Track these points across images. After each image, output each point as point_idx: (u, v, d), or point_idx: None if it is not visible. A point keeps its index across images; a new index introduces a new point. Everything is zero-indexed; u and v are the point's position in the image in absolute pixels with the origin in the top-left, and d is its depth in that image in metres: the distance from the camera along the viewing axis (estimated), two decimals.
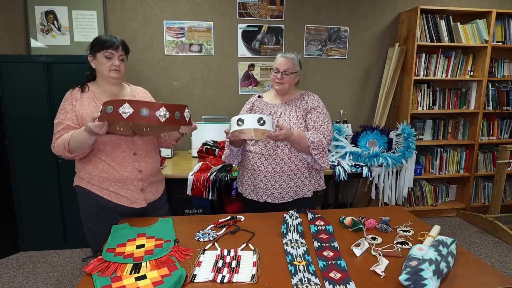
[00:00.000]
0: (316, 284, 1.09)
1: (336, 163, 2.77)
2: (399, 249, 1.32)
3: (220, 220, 1.58)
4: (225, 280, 1.12)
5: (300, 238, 1.41)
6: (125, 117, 1.27)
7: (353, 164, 2.82)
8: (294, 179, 1.82)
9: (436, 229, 1.39)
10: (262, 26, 3.29)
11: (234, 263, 1.22)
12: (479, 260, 1.29)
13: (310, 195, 1.88)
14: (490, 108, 3.56)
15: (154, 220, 1.58)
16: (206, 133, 2.97)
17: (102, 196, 1.61)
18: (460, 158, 3.62)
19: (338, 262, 1.22)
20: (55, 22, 2.97)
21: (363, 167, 2.77)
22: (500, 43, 3.48)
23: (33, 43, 2.96)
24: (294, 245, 1.35)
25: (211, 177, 2.45)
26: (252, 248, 1.33)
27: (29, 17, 2.93)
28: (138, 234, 1.43)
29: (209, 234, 1.44)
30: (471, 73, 3.51)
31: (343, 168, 2.70)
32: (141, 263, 1.21)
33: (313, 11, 3.35)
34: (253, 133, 1.67)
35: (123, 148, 1.61)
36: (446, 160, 3.59)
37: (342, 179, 2.67)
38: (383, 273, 1.16)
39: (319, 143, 1.76)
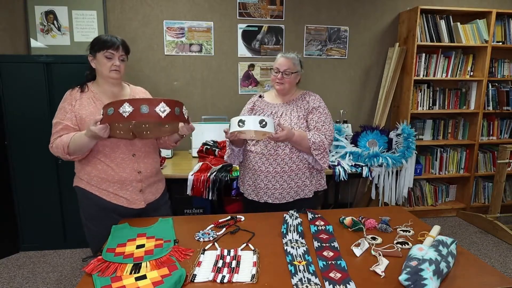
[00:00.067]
0: (316, 284, 1.09)
1: (336, 163, 2.77)
2: (399, 249, 1.32)
3: (220, 220, 1.58)
4: (225, 280, 1.12)
5: (300, 238, 1.41)
6: (126, 116, 1.28)
7: (353, 164, 2.82)
8: (295, 179, 1.82)
9: (436, 229, 1.39)
10: (262, 26, 3.29)
11: (234, 263, 1.21)
12: (479, 260, 1.29)
13: (311, 196, 1.87)
14: (490, 108, 3.56)
15: (154, 220, 1.58)
16: (206, 133, 2.98)
17: (101, 196, 1.61)
18: (460, 158, 3.62)
19: (338, 262, 1.22)
20: (55, 22, 2.97)
21: (363, 167, 2.77)
22: (500, 43, 3.48)
23: (33, 43, 2.96)
24: (294, 245, 1.35)
25: (211, 177, 2.45)
26: (252, 248, 1.33)
27: (29, 17, 2.93)
28: (138, 234, 1.43)
29: (209, 234, 1.44)
30: (471, 73, 3.51)
31: (343, 168, 2.70)
32: (141, 263, 1.21)
33: (313, 11, 3.35)
34: (253, 134, 1.66)
35: (122, 150, 1.61)
36: (446, 160, 3.59)
37: (342, 179, 2.67)
38: (383, 273, 1.16)
39: (320, 143, 1.75)
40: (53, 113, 1.61)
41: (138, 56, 3.14)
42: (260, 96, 1.98)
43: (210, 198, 2.45)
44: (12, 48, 2.93)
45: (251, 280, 1.12)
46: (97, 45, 1.57)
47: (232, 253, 1.28)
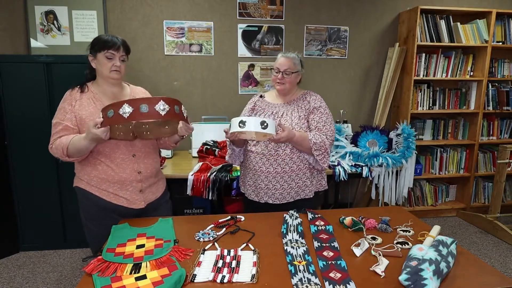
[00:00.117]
0: (316, 284, 1.09)
1: (336, 163, 2.77)
2: (399, 249, 1.32)
3: (220, 220, 1.58)
4: (225, 280, 1.12)
5: (300, 238, 1.41)
6: (126, 117, 1.28)
7: (353, 164, 2.82)
8: (295, 179, 1.82)
9: (436, 229, 1.39)
10: (262, 26, 3.29)
11: (234, 263, 1.21)
12: (479, 260, 1.29)
13: (311, 196, 1.87)
14: (490, 108, 3.56)
15: (154, 220, 1.58)
16: (206, 133, 2.98)
17: (101, 197, 1.61)
18: (460, 158, 3.62)
19: (338, 262, 1.22)
20: (55, 22, 2.97)
21: (363, 167, 2.77)
22: (500, 43, 3.48)
23: (33, 43, 2.96)
24: (294, 245, 1.35)
25: (211, 177, 2.45)
26: (252, 248, 1.33)
27: (29, 17, 2.93)
28: (138, 234, 1.43)
29: (209, 234, 1.44)
30: (471, 73, 3.51)
31: (343, 168, 2.70)
32: (141, 263, 1.21)
33: (313, 11, 3.35)
34: (253, 134, 1.66)
35: (122, 150, 1.60)
36: (446, 160, 3.59)
37: (342, 179, 2.67)
38: (383, 273, 1.16)
39: (321, 144, 1.75)
40: (53, 113, 1.60)
41: (138, 56, 3.14)
42: (261, 96, 1.98)
43: (210, 198, 2.45)
44: (12, 48, 2.93)
45: (251, 280, 1.12)
46: (98, 45, 1.56)
47: (232, 253, 1.28)
